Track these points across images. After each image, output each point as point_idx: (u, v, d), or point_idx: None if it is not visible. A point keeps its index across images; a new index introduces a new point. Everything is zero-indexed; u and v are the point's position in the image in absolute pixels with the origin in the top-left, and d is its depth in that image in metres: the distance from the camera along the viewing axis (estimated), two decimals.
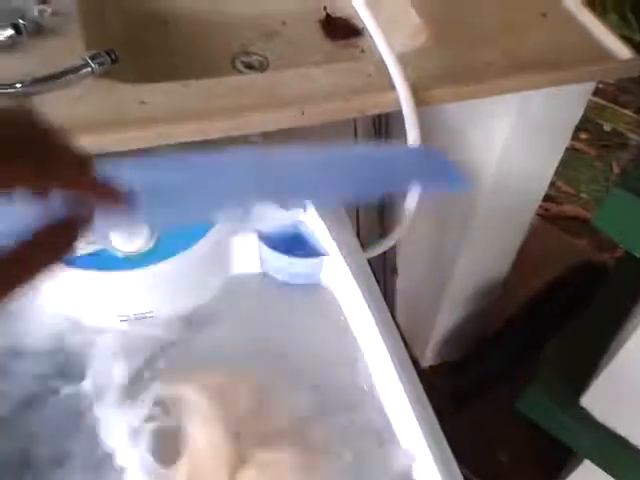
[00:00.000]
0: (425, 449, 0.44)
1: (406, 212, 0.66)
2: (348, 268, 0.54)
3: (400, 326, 1.28)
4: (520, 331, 1.12)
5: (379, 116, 0.98)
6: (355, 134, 1.02)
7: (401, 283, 1.22)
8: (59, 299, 0.51)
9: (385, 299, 1.27)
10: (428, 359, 1.19)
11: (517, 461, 1.07)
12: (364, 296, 0.53)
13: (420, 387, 0.50)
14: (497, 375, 1.10)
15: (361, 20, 0.62)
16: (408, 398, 0.47)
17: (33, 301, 0.52)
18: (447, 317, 1.11)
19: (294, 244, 0.57)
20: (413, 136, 0.60)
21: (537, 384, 0.78)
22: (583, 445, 0.77)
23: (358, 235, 0.74)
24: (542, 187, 0.88)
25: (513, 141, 0.76)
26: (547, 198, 1.58)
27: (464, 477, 0.46)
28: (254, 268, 0.56)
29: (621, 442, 0.74)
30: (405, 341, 1.28)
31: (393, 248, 1.19)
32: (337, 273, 0.55)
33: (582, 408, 0.75)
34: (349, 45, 0.79)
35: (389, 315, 0.53)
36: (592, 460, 0.78)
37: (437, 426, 0.48)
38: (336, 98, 0.56)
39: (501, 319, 1.15)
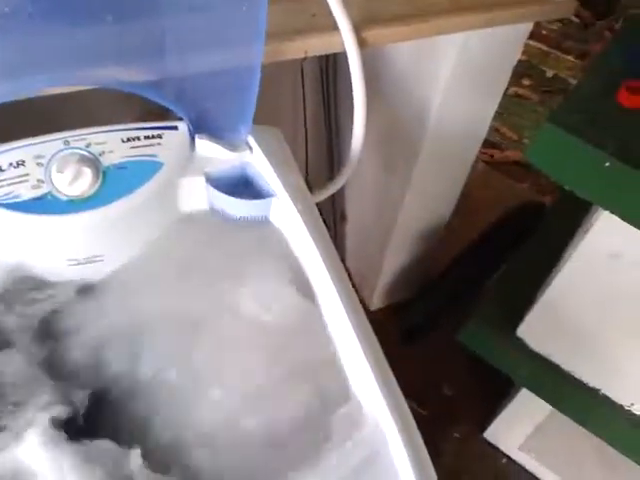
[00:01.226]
0: (374, 387, 0.46)
1: (352, 152, 0.68)
2: (295, 208, 0.55)
3: (349, 271, 1.31)
4: (463, 270, 1.17)
5: (326, 58, 0.97)
6: (302, 77, 1.02)
7: (350, 229, 1.25)
8: (8, 246, 0.51)
9: (335, 245, 1.30)
10: (376, 302, 1.23)
11: (461, 394, 1.13)
12: (312, 235, 0.54)
13: (367, 324, 0.51)
14: (442, 312, 1.15)
15: None
16: (356, 334, 0.48)
17: None
18: (393, 260, 1.14)
19: (241, 186, 0.57)
20: (357, 77, 0.61)
21: (477, 317, 0.82)
22: (520, 374, 0.82)
23: (307, 180, 0.75)
24: (483, 129, 0.91)
25: (454, 83, 0.77)
26: (491, 144, 1.62)
27: (412, 410, 0.49)
28: (202, 207, 0.56)
29: (555, 369, 0.79)
30: (354, 285, 1.32)
31: (342, 195, 1.21)
32: (285, 213, 0.56)
33: (519, 338, 0.80)
34: None
35: (336, 254, 0.54)
36: (529, 388, 0.83)
37: (386, 365, 0.49)
38: (280, 38, 0.56)
39: (446, 261, 1.19)
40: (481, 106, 0.86)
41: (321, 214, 0.58)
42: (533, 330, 0.78)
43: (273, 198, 0.56)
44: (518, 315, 0.79)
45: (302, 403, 0.47)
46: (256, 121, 0.58)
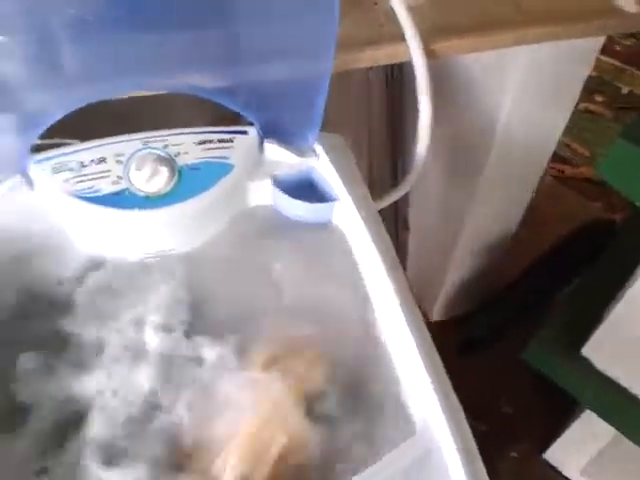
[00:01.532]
0: (434, 399, 0.46)
1: (416, 160, 0.68)
2: (358, 213, 0.56)
3: (410, 281, 1.31)
4: (533, 282, 1.15)
5: (392, 67, 0.98)
6: (368, 85, 1.03)
7: (412, 238, 1.25)
8: (84, 237, 0.55)
9: (398, 254, 1.30)
10: (437, 314, 1.22)
11: (521, 411, 1.11)
12: (373, 240, 0.55)
13: (427, 333, 0.51)
14: (507, 325, 1.13)
15: None
16: (416, 344, 0.49)
17: (57, 240, 0.55)
18: (456, 272, 1.13)
19: (307, 189, 0.59)
20: (423, 87, 0.62)
21: (542, 334, 0.81)
22: (585, 395, 0.80)
23: (370, 187, 0.77)
24: (551, 143, 0.89)
25: (522, 94, 0.77)
26: (563, 160, 1.58)
27: (475, 428, 0.48)
28: (268, 207, 0.58)
29: (622, 392, 0.77)
30: (415, 296, 1.31)
31: (405, 204, 1.21)
32: (347, 218, 0.57)
33: (584, 358, 0.78)
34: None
35: (398, 262, 0.55)
36: (593, 409, 0.81)
37: (446, 378, 0.49)
38: (350, 49, 0.58)
39: (511, 274, 1.17)
40: (550, 119, 0.85)
41: (383, 222, 0.59)
42: (599, 349, 0.76)
43: (336, 202, 0.58)
44: (585, 334, 0.77)
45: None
46: (322, 128, 0.59)
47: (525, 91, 0.77)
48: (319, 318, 0.53)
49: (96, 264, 0.56)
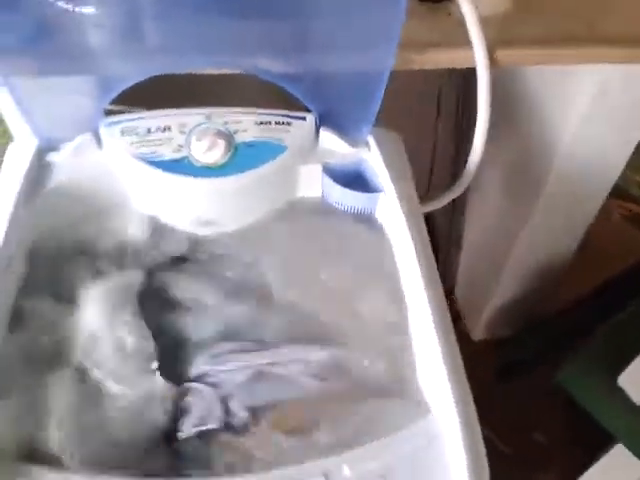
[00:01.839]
0: (447, 387, 0.47)
1: (470, 163, 0.69)
2: (400, 208, 0.57)
3: (456, 299, 1.30)
4: (579, 315, 1.12)
5: (464, 86, 0.99)
6: (439, 99, 1.05)
7: (464, 257, 1.25)
8: (145, 198, 0.59)
9: (448, 271, 1.30)
10: (480, 333, 1.21)
11: (553, 441, 1.08)
12: (412, 236, 0.56)
13: (451, 327, 0.52)
14: (546, 353, 1.10)
15: None
16: (437, 334, 0.50)
17: (118, 199, 0.59)
18: (503, 293, 1.12)
19: (356, 179, 0.61)
20: (484, 96, 0.63)
21: (579, 358, 0.80)
22: (616, 426, 0.78)
23: (428, 192, 0.78)
24: (614, 173, 0.87)
25: (588, 118, 0.76)
26: (632, 199, 1.54)
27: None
28: (316, 193, 0.61)
29: None
30: (459, 313, 1.30)
31: (459, 222, 1.21)
32: (390, 212, 0.59)
33: (620, 388, 0.76)
34: (438, 9, 0.81)
35: (433, 261, 0.56)
36: (624, 442, 0.79)
37: (460, 365, 0.50)
38: (413, 49, 0.59)
39: (557, 304, 1.15)
40: (615, 149, 0.83)
41: (434, 238, 0.59)
42: (636, 381, 0.74)
43: (381, 194, 0.59)
44: (623, 364, 0.76)
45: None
46: (390, 128, 0.62)
47: (591, 115, 0.77)
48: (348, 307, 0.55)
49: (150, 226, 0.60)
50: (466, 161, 0.71)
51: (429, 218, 0.66)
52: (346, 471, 0.44)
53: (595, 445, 0.97)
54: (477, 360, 0.51)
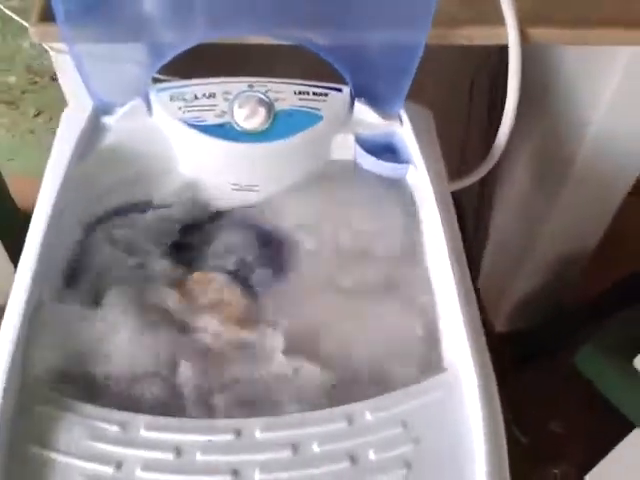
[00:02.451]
0: (465, 343, 0.49)
1: (499, 139, 0.72)
2: (428, 177, 0.60)
3: (479, 290, 1.32)
4: (603, 306, 1.13)
5: (496, 80, 1.02)
6: (471, 94, 1.07)
7: (488, 248, 1.26)
8: (190, 161, 0.63)
9: (473, 264, 1.32)
10: (501, 325, 1.23)
11: (570, 430, 1.09)
12: (438, 205, 0.59)
13: (472, 293, 0.55)
14: (566, 345, 1.12)
15: None
16: (457, 294, 0.52)
17: (164, 160, 0.63)
18: (526, 283, 1.14)
19: (387, 150, 0.64)
20: (515, 70, 0.65)
21: (596, 341, 0.81)
22: (632, 407, 0.79)
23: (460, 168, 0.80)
24: None
25: (617, 100, 0.78)
26: None
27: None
28: (348, 161, 0.64)
29: None
30: (482, 304, 1.32)
31: (489, 211, 1.23)
32: (419, 183, 0.62)
33: (636, 370, 0.77)
34: None
35: (457, 226, 0.58)
36: (638, 424, 0.80)
37: (479, 323, 0.53)
38: (447, 25, 0.62)
39: (581, 296, 1.16)
40: None
41: (463, 229, 0.61)
42: None
43: (410, 165, 0.62)
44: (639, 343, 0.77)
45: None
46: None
47: (620, 97, 0.78)
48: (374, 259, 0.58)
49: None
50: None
51: (457, 207, 0.68)
52: (368, 416, 0.47)
53: (613, 435, 0.99)
54: (498, 350, 0.53)
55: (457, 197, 0.69)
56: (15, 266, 0.52)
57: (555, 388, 1.11)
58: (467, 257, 0.57)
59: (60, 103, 1.74)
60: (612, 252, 1.12)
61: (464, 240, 0.58)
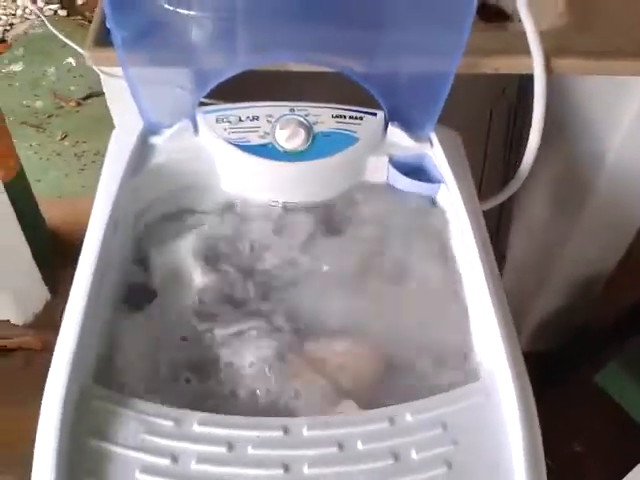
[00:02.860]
0: (501, 352, 0.53)
1: (523, 168, 0.75)
2: (460, 197, 0.63)
3: None
4: (621, 327, 1.14)
5: (515, 110, 1.06)
6: (490, 122, 1.11)
7: (507, 269, 1.29)
8: (233, 179, 0.66)
9: None
10: (523, 345, 1.24)
11: (593, 450, 1.10)
12: (471, 225, 0.62)
13: (504, 296, 0.58)
14: (586, 366, 1.13)
15: (510, 6, 0.72)
16: (492, 302, 0.55)
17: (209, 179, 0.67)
18: (544, 307, 1.16)
19: (418, 171, 0.68)
20: (539, 103, 0.69)
21: (620, 359, 0.84)
22: None
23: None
24: None
25: (635, 132, 0.81)
26: None
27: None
28: (382, 181, 0.68)
29: None
30: None
31: (505, 234, 1.26)
32: (451, 202, 0.65)
33: None
34: (499, 27, 0.89)
35: (488, 238, 0.62)
36: None
37: (514, 333, 0.56)
38: (477, 55, 0.67)
39: (599, 319, 1.18)
40: None
41: None
42: None
43: (442, 185, 0.66)
44: None
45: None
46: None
47: (636, 129, 0.82)
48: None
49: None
50: (518, 164, 0.77)
51: None
52: (408, 417, 0.50)
53: (636, 454, 1.00)
54: None
55: None
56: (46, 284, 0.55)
57: (578, 408, 1.12)
58: None
59: (86, 127, 1.80)
60: (631, 274, 1.15)
61: None
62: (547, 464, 0.94)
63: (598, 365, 1.03)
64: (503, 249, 1.28)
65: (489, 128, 1.11)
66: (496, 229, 1.25)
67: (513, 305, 1.24)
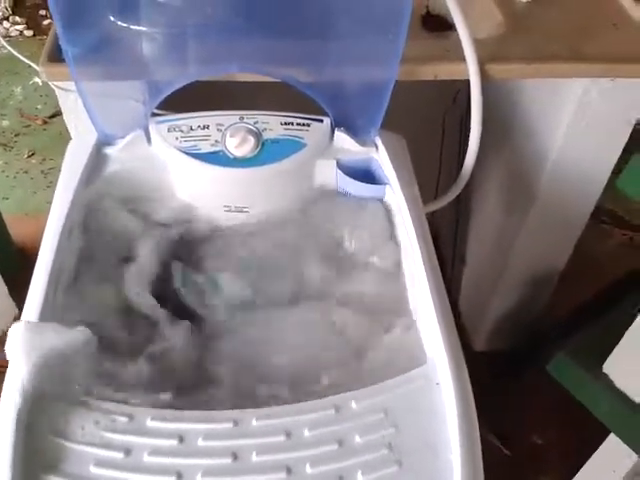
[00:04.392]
0: (440, 342, 0.55)
1: (465, 167, 0.79)
2: (403, 197, 0.67)
3: (460, 313, 1.38)
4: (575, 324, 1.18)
5: (466, 117, 1.10)
6: (443, 129, 1.16)
7: (466, 273, 1.33)
8: (186, 186, 0.69)
9: (451, 286, 1.38)
10: (480, 345, 1.28)
11: (551, 442, 1.14)
12: (414, 223, 0.65)
13: (444, 292, 0.61)
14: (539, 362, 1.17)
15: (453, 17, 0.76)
16: (431, 294, 0.58)
17: (162, 186, 0.69)
18: (501, 304, 1.20)
19: (365, 174, 0.71)
20: (476, 106, 0.73)
21: (568, 349, 0.87)
22: (601, 410, 0.85)
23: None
24: (600, 184, 0.96)
25: (574, 131, 0.86)
26: (630, 227, 1.62)
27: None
28: (331, 185, 0.70)
29: (636, 410, 0.81)
30: (462, 326, 1.37)
31: (464, 239, 1.30)
32: (395, 202, 0.68)
33: (605, 374, 0.83)
34: (441, 36, 0.93)
35: (429, 234, 0.65)
36: (608, 425, 0.85)
37: (453, 325, 0.58)
38: (416, 62, 0.70)
39: (554, 315, 1.22)
40: (599, 158, 0.92)
41: (441, 257, 0.67)
42: (618, 366, 0.81)
43: (387, 186, 0.69)
44: (608, 353, 0.83)
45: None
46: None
47: (576, 128, 0.86)
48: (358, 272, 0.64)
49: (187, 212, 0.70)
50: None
51: (436, 238, 0.74)
52: (353, 405, 0.52)
53: (594, 447, 1.03)
54: (477, 369, 0.58)
55: (435, 224, 0.75)
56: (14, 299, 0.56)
57: (535, 402, 1.16)
58: (446, 281, 0.62)
59: (52, 145, 1.80)
60: (579, 274, 1.19)
61: (442, 265, 0.64)
62: (506, 455, 0.97)
63: (550, 358, 1.07)
64: (463, 254, 1.32)
65: (443, 133, 1.16)
66: (454, 235, 1.29)
67: (473, 306, 1.29)
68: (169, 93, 0.66)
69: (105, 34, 0.67)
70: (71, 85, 0.69)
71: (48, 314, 0.55)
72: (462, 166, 0.83)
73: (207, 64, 0.66)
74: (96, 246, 0.63)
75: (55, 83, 0.72)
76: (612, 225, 1.64)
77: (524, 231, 1.04)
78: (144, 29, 0.67)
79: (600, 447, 0.95)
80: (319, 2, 0.66)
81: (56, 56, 0.69)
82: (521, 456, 1.13)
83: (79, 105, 0.69)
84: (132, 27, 0.67)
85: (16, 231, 1.40)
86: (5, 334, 0.51)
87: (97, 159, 0.68)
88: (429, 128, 1.15)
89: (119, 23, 0.67)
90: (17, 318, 1.27)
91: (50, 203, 0.62)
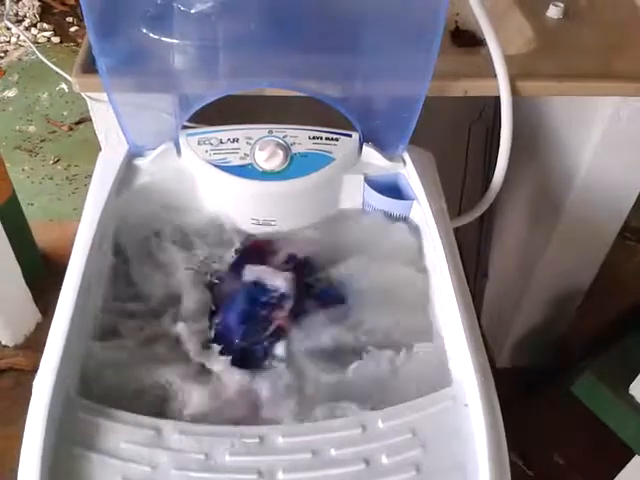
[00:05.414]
0: (469, 363, 0.54)
1: (493, 186, 0.78)
2: (431, 211, 0.66)
3: (482, 328, 1.37)
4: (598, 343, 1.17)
5: (492, 131, 1.10)
6: (467, 144, 1.15)
7: (489, 287, 1.32)
8: (215, 198, 0.69)
9: (475, 301, 1.38)
10: (504, 361, 1.27)
11: (574, 462, 1.12)
12: (441, 239, 0.65)
13: (471, 305, 0.60)
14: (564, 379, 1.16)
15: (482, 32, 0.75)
16: (457, 303, 0.58)
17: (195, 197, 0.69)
18: (525, 321, 1.18)
19: (392, 189, 0.71)
20: (507, 123, 0.72)
21: (594, 370, 0.86)
22: (627, 432, 0.83)
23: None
24: (628, 202, 0.95)
25: (603, 149, 0.85)
26: None
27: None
28: (357, 199, 0.70)
29: None
30: (484, 341, 1.36)
31: (487, 253, 1.29)
32: (422, 218, 0.68)
33: (631, 395, 0.82)
34: (471, 52, 0.93)
35: (457, 252, 0.64)
36: (634, 448, 0.84)
37: (482, 346, 0.58)
38: (447, 79, 0.70)
39: (579, 333, 1.21)
40: (629, 177, 0.91)
41: (464, 271, 0.67)
42: None
43: (414, 201, 0.69)
44: (634, 374, 0.82)
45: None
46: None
47: (605, 145, 0.85)
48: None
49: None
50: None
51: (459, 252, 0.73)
52: (380, 424, 0.52)
53: (615, 463, 1.01)
54: (498, 386, 0.57)
55: (458, 238, 0.75)
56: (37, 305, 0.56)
57: (558, 421, 1.14)
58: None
59: (78, 151, 1.83)
60: (602, 291, 1.18)
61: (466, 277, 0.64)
62: (528, 475, 0.96)
63: (575, 377, 1.05)
64: (485, 268, 1.31)
65: (467, 148, 1.15)
66: (477, 249, 1.28)
67: (495, 322, 1.28)
68: (199, 107, 0.67)
69: (138, 46, 0.67)
70: (103, 96, 0.69)
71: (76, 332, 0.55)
72: (489, 181, 0.83)
73: (238, 79, 0.67)
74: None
75: (88, 94, 0.73)
76: (637, 242, 1.63)
77: (549, 248, 1.03)
78: (176, 41, 0.67)
79: (624, 469, 0.93)
80: (351, 17, 0.66)
81: (89, 67, 0.70)
82: (542, 476, 1.11)
83: (110, 115, 0.69)
84: (164, 39, 0.67)
85: (40, 237, 1.42)
86: (28, 339, 0.52)
87: (127, 170, 0.68)
88: (454, 141, 1.15)
89: (152, 35, 0.67)
90: (40, 324, 1.29)
91: (75, 209, 0.63)
